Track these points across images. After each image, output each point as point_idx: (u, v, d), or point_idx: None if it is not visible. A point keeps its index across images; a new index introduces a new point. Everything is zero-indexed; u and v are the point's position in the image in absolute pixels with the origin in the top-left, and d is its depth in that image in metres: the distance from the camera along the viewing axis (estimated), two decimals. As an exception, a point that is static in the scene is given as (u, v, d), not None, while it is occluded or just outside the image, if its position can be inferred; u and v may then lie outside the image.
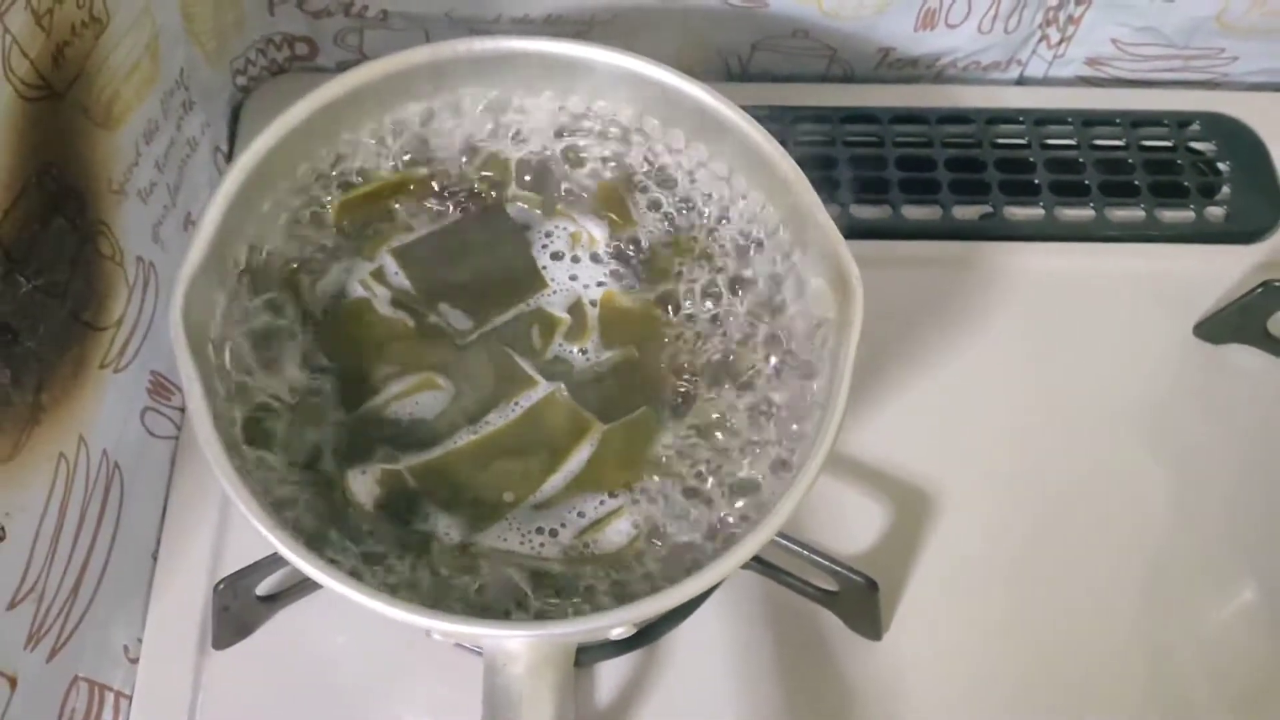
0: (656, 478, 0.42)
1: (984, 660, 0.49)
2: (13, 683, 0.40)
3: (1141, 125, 0.63)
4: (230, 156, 0.59)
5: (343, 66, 0.63)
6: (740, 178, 0.45)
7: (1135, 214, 0.60)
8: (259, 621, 0.48)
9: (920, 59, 0.63)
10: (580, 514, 0.41)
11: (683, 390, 0.43)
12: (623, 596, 0.39)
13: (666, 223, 0.46)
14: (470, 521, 0.41)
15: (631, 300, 0.45)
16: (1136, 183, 0.61)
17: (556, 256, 0.46)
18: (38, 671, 0.42)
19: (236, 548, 0.50)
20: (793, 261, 0.44)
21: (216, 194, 0.40)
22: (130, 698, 0.48)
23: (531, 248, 0.46)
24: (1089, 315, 0.57)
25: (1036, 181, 0.60)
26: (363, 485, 0.41)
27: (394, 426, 0.42)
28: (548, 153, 0.47)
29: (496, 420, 0.42)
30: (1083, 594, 0.51)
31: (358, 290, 0.44)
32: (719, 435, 0.42)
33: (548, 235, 0.46)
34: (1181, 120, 0.63)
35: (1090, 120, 0.62)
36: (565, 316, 0.45)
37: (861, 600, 0.48)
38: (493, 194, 0.47)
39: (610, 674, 0.48)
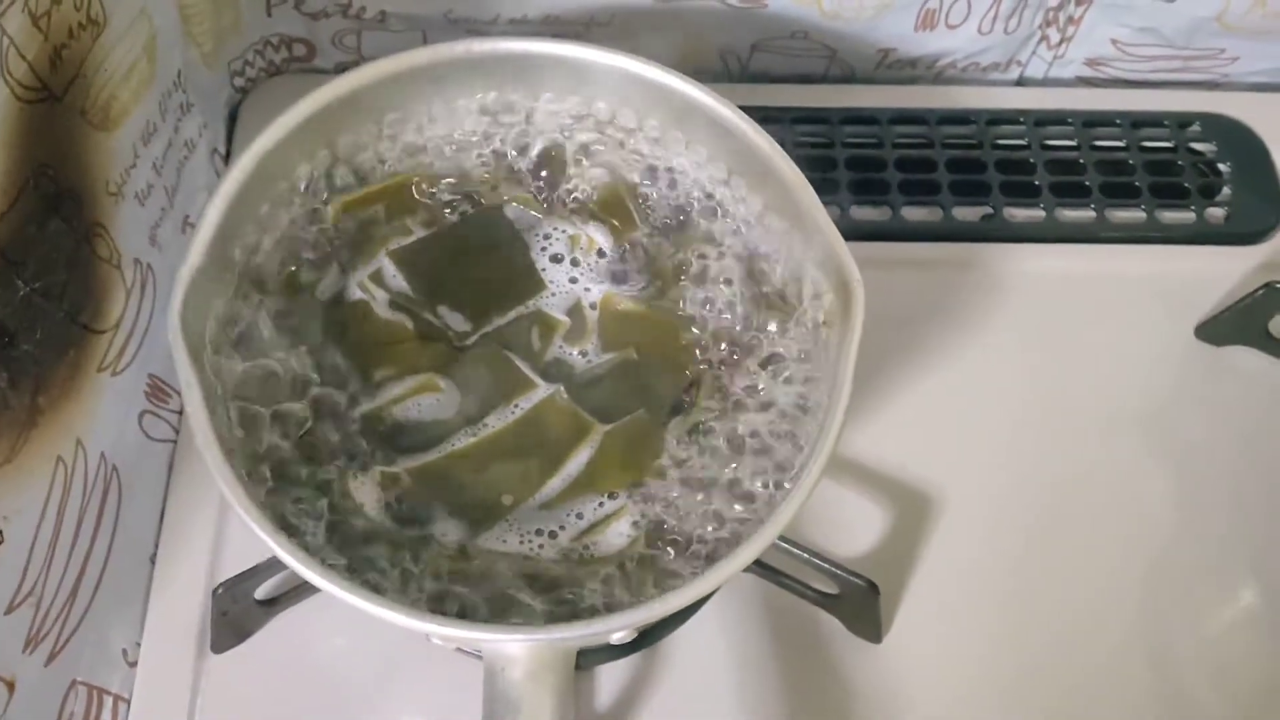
0: (656, 480, 0.42)
1: (984, 662, 0.49)
2: (11, 686, 0.39)
3: (1142, 126, 0.63)
4: (228, 158, 0.59)
5: (340, 68, 0.63)
6: (740, 180, 0.45)
7: (1136, 215, 0.60)
8: (257, 625, 0.48)
9: (920, 60, 0.63)
10: (579, 516, 0.41)
11: (682, 392, 0.43)
12: (623, 600, 0.39)
13: (666, 225, 0.46)
14: (469, 524, 0.41)
15: (631, 303, 0.45)
16: (1137, 184, 0.61)
17: (556, 259, 0.46)
18: (36, 675, 0.41)
19: (235, 551, 0.50)
20: (793, 264, 0.44)
21: (215, 196, 0.40)
22: (129, 701, 0.47)
23: (530, 250, 0.46)
24: (1090, 317, 0.57)
25: (1037, 183, 0.60)
26: (361, 488, 0.41)
27: (393, 429, 0.42)
28: (547, 154, 0.47)
29: (496, 422, 0.42)
30: (1083, 596, 0.51)
31: (356, 293, 0.44)
32: (719, 437, 0.42)
33: (546, 237, 0.46)
34: (1182, 121, 0.63)
35: (1090, 121, 0.62)
36: (564, 319, 0.44)
37: (862, 603, 0.48)
38: (491, 196, 0.46)
39: (610, 677, 0.48)
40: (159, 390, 0.50)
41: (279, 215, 0.43)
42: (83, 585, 0.44)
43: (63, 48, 0.40)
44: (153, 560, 0.50)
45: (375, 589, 0.38)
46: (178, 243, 0.51)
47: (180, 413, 0.53)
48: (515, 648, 0.35)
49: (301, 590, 0.48)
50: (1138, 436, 0.54)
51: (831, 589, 0.48)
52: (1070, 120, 0.62)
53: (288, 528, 0.38)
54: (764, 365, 0.43)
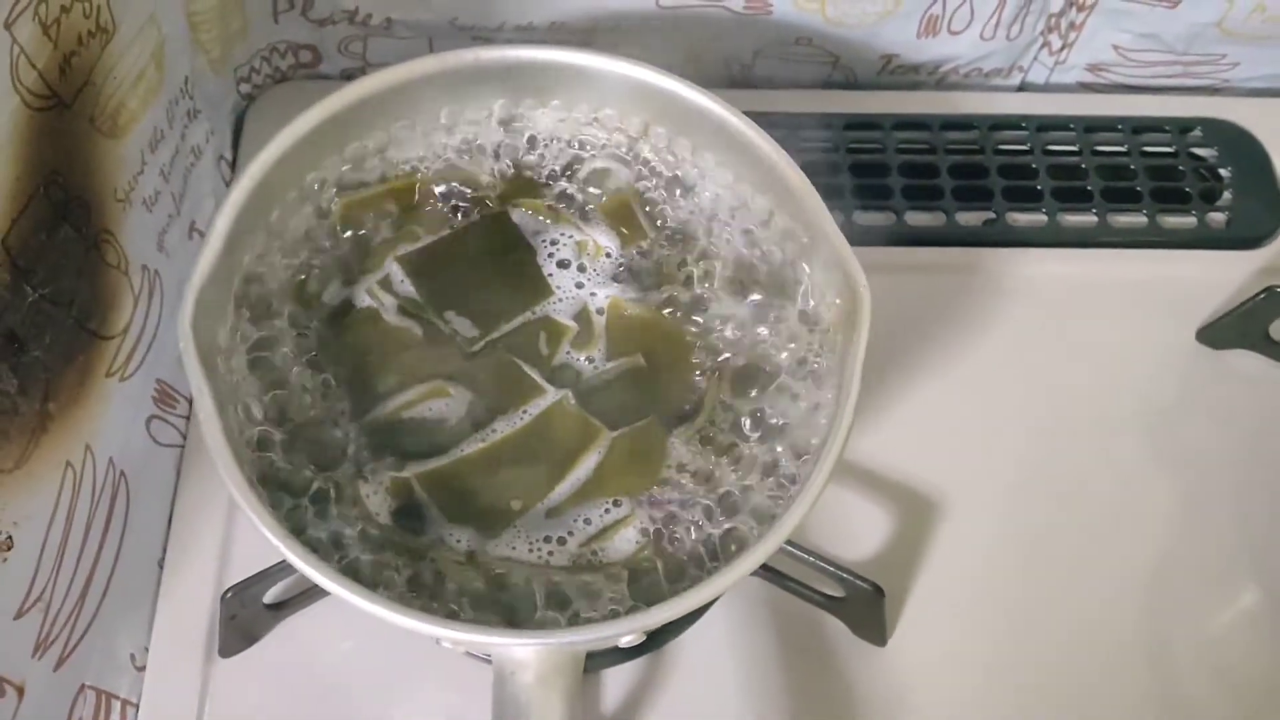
0: (664, 485, 0.42)
1: (989, 666, 0.49)
2: (20, 691, 0.40)
3: (1143, 131, 0.63)
4: (234, 164, 0.60)
5: (346, 74, 0.63)
6: (746, 186, 0.45)
7: (1137, 220, 0.60)
8: (266, 629, 0.48)
9: (923, 66, 0.64)
10: (587, 521, 0.41)
11: (690, 398, 0.44)
12: (631, 604, 0.39)
13: (673, 231, 0.46)
14: (478, 529, 0.41)
15: (638, 308, 0.45)
16: (1138, 189, 0.61)
17: (563, 265, 0.46)
18: (45, 680, 0.42)
19: (243, 555, 0.50)
20: (800, 269, 0.44)
21: (225, 204, 0.40)
22: (137, 706, 0.48)
23: (537, 256, 0.46)
24: (1092, 321, 0.57)
25: (1039, 188, 0.61)
26: (371, 493, 0.41)
27: (402, 434, 0.42)
28: (554, 161, 0.47)
29: (504, 428, 0.42)
30: (1087, 599, 0.51)
31: (365, 299, 0.44)
32: (727, 443, 0.42)
33: (553, 243, 0.46)
34: (1183, 126, 0.63)
35: (1092, 126, 0.63)
36: (572, 324, 0.45)
37: (867, 606, 0.48)
38: (498, 202, 0.47)
39: (618, 680, 0.48)
40: (167, 395, 0.51)
41: (288, 222, 0.44)
42: (91, 590, 0.44)
43: (72, 55, 0.40)
44: (161, 565, 0.50)
45: (384, 593, 0.38)
46: (185, 249, 0.51)
47: (188, 418, 0.53)
48: (524, 652, 0.35)
49: (310, 594, 0.48)
50: (1140, 440, 0.54)
51: (837, 592, 0.48)
52: (1072, 125, 0.63)
53: (296, 532, 0.39)
54: (770, 370, 0.43)
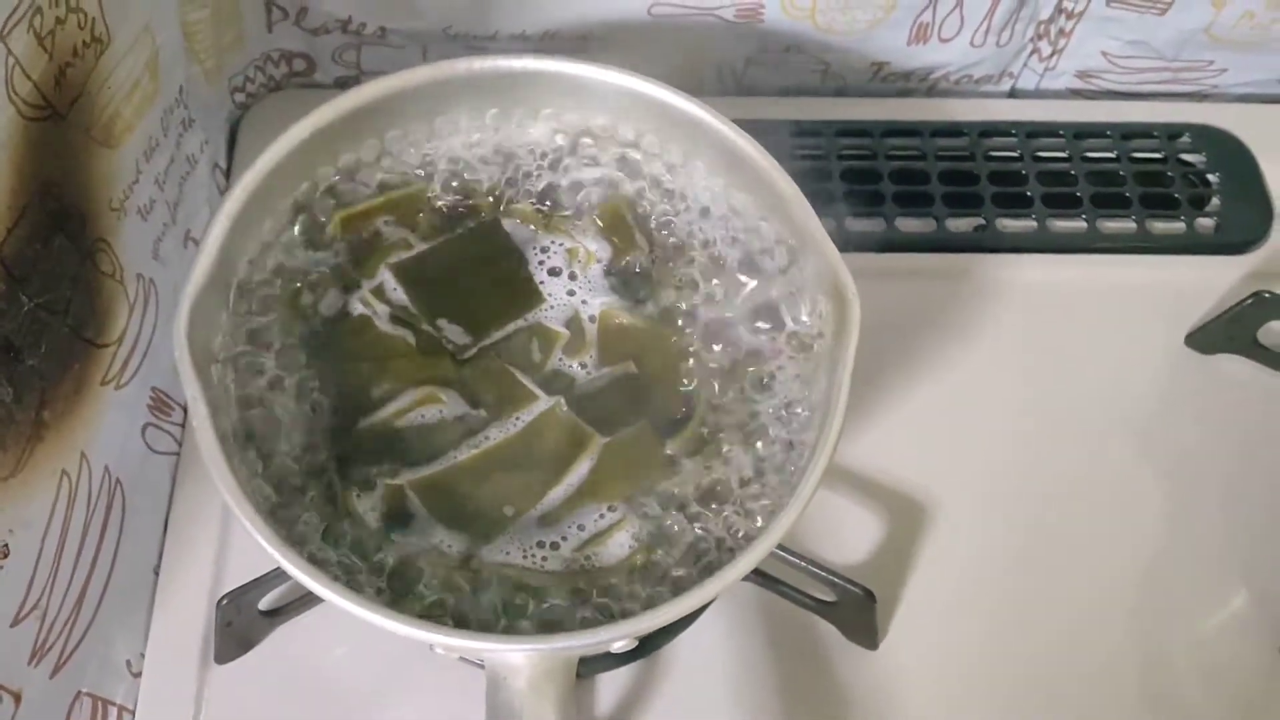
0: (656, 491, 0.42)
1: (980, 669, 0.50)
2: (17, 699, 0.40)
3: (1132, 137, 0.63)
4: (229, 173, 0.60)
5: (341, 83, 0.63)
6: (736, 193, 0.45)
7: (1126, 225, 0.61)
8: (261, 636, 0.48)
9: (913, 73, 0.64)
10: (581, 527, 0.41)
11: (681, 404, 0.44)
12: (623, 609, 0.39)
13: (664, 238, 0.47)
14: (472, 535, 0.41)
15: (630, 315, 0.45)
16: (1127, 194, 0.61)
17: (554, 272, 0.46)
18: (41, 687, 0.42)
19: (238, 562, 0.50)
20: (790, 276, 0.44)
21: (219, 213, 0.40)
22: (133, 712, 0.48)
23: (528, 263, 0.46)
24: (1081, 326, 0.58)
25: (1029, 194, 0.61)
26: (365, 500, 0.41)
27: (396, 442, 0.42)
28: (546, 170, 0.47)
29: (497, 434, 0.43)
30: (1077, 602, 0.51)
31: (358, 308, 0.44)
32: (718, 448, 0.43)
33: (544, 251, 0.46)
34: (1172, 132, 0.63)
35: (1081, 133, 0.63)
36: (564, 331, 0.45)
37: (859, 610, 0.48)
38: (490, 210, 0.47)
39: (611, 685, 0.49)
40: (162, 403, 0.51)
41: (282, 231, 0.44)
42: (87, 597, 0.45)
43: (67, 66, 0.40)
44: (156, 572, 0.50)
45: (378, 599, 0.38)
46: (180, 257, 0.52)
47: (183, 425, 0.53)
48: (517, 657, 0.36)
49: (305, 601, 0.48)
50: (1129, 444, 0.55)
51: (829, 597, 0.49)
52: (1061, 132, 0.63)
53: (291, 539, 0.39)
54: (761, 376, 0.44)
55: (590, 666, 0.48)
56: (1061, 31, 0.63)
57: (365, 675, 0.48)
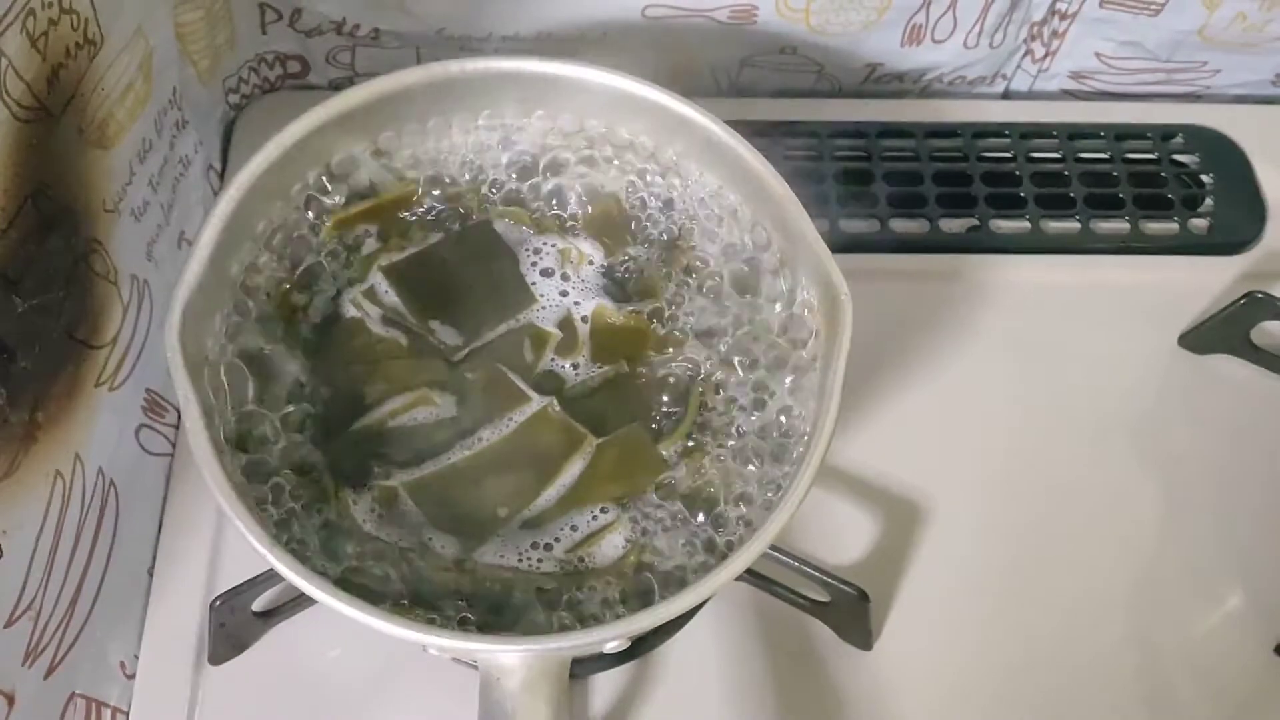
0: (649, 491, 0.42)
1: (973, 669, 0.50)
2: (10, 700, 0.40)
3: (1125, 138, 0.63)
4: (223, 174, 0.60)
5: (334, 84, 0.63)
6: (730, 194, 0.45)
7: (1120, 226, 0.61)
8: (255, 637, 0.48)
9: (907, 74, 0.64)
10: (574, 528, 0.41)
11: (674, 404, 0.44)
12: (617, 610, 0.40)
13: (656, 239, 0.47)
14: (465, 536, 0.41)
15: (622, 315, 0.45)
16: (1121, 195, 0.61)
17: (546, 273, 0.46)
18: (35, 688, 0.42)
19: (232, 563, 0.50)
20: (782, 277, 0.44)
21: (212, 215, 0.41)
22: (127, 714, 0.48)
23: (520, 264, 0.46)
24: (1075, 327, 0.58)
25: (1022, 194, 0.61)
26: (359, 502, 0.41)
27: (389, 443, 0.42)
28: (538, 171, 0.47)
29: (490, 436, 0.43)
30: (1071, 602, 0.51)
31: (350, 309, 0.44)
32: (710, 449, 0.43)
33: (536, 252, 0.46)
34: (1165, 133, 0.64)
35: (1075, 133, 0.63)
36: (556, 331, 0.45)
37: (852, 611, 0.48)
38: (482, 211, 0.47)
39: (605, 686, 0.49)
40: (155, 405, 0.51)
41: (274, 233, 0.44)
42: (81, 598, 0.45)
43: (60, 67, 0.40)
44: (150, 573, 0.50)
45: (371, 601, 0.38)
46: (174, 258, 0.52)
47: (176, 427, 0.53)
48: (510, 658, 0.36)
49: (299, 602, 0.48)
50: (1123, 444, 0.55)
51: (822, 597, 0.49)
52: (1055, 133, 0.63)
53: (284, 541, 0.39)
54: (753, 378, 0.44)
55: (584, 667, 0.48)
56: (1055, 33, 0.63)
57: (358, 676, 0.48)
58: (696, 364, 0.44)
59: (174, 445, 0.53)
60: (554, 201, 0.47)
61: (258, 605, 0.48)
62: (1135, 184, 0.62)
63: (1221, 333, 0.56)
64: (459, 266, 0.46)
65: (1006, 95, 0.67)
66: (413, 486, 0.41)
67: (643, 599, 0.40)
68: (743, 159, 0.44)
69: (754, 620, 0.50)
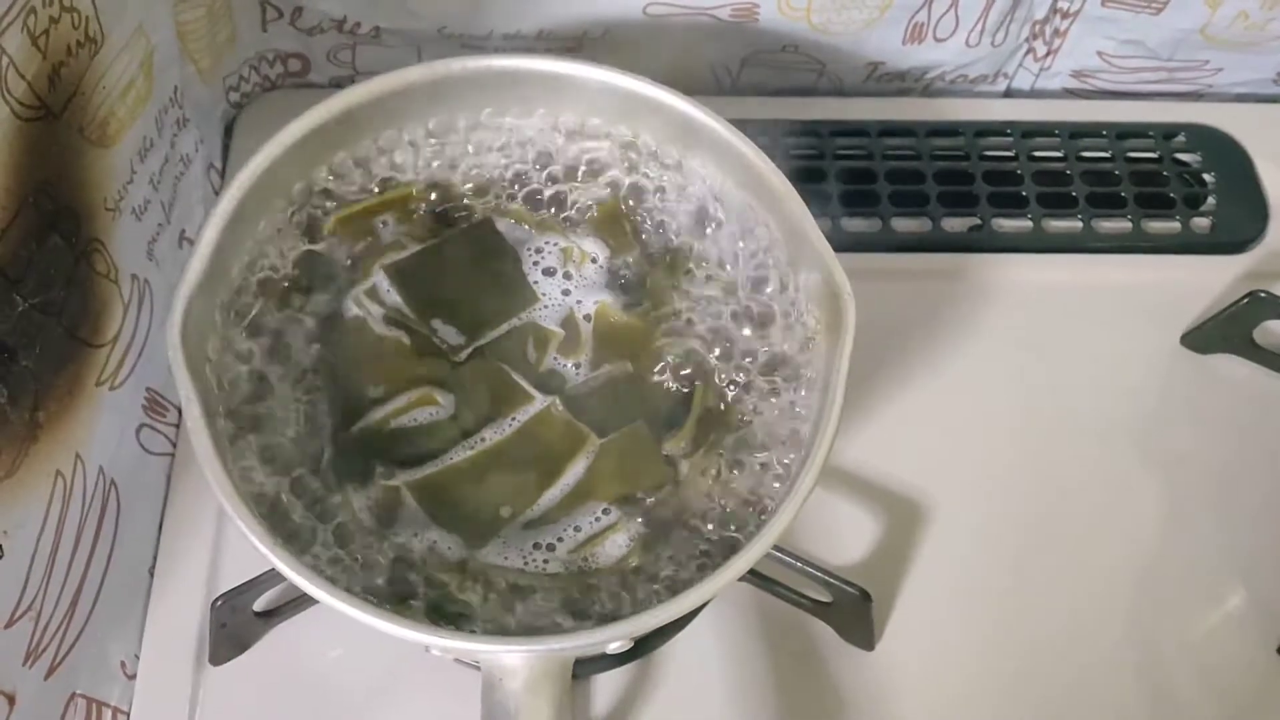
0: (652, 490, 0.42)
1: (976, 669, 0.50)
2: (11, 700, 0.40)
3: (1127, 137, 0.63)
4: (224, 173, 0.60)
5: (335, 82, 0.63)
6: (733, 193, 0.45)
7: (1122, 225, 0.61)
8: (256, 637, 0.48)
9: (908, 72, 0.64)
10: (577, 528, 0.41)
11: (677, 404, 0.44)
12: (619, 610, 0.39)
13: (659, 237, 0.47)
14: (468, 536, 0.41)
15: (625, 314, 0.45)
16: (1123, 194, 0.61)
17: (548, 272, 0.46)
18: (36, 688, 0.42)
19: (233, 563, 0.50)
20: (785, 275, 0.44)
21: (213, 214, 0.40)
22: (128, 714, 0.48)
23: (522, 263, 0.46)
24: (1077, 326, 0.58)
25: (1024, 193, 0.61)
26: (361, 502, 0.41)
27: (391, 443, 0.42)
28: (539, 169, 0.47)
29: (493, 435, 0.43)
30: (1073, 602, 0.51)
31: (352, 309, 0.44)
32: (713, 448, 0.43)
33: (538, 251, 0.46)
34: (1167, 132, 0.63)
35: (1077, 132, 0.63)
36: (558, 330, 0.45)
37: (855, 611, 0.48)
38: (484, 210, 0.47)
39: (607, 686, 0.49)
40: (156, 404, 0.51)
41: (276, 232, 0.44)
42: (82, 598, 0.45)
43: (61, 66, 0.40)
44: (151, 573, 0.50)
45: (373, 601, 0.38)
46: (175, 257, 0.52)
47: (177, 426, 0.53)
48: (513, 658, 0.35)
49: (300, 602, 0.48)
50: (1125, 443, 0.55)
51: (825, 597, 0.49)
52: (1057, 131, 0.63)
53: (286, 540, 0.39)
54: (757, 377, 0.44)
55: (586, 668, 0.48)
56: (1056, 31, 0.63)
57: (360, 677, 0.48)
58: (699, 363, 0.44)
59: (175, 445, 0.53)
60: (556, 200, 0.47)
61: (259, 605, 0.48)
62: (1137, 183, 0.62)
63: (1223, 332, 0.56)
64: (461, 265, 0.46)
65: (1008, 94, 0.67)
66: (416, 486, 0.41)
67: (645, 599, 0.40)
68: (745, 157, 0.44)
69: (756, 620, 0.50)
